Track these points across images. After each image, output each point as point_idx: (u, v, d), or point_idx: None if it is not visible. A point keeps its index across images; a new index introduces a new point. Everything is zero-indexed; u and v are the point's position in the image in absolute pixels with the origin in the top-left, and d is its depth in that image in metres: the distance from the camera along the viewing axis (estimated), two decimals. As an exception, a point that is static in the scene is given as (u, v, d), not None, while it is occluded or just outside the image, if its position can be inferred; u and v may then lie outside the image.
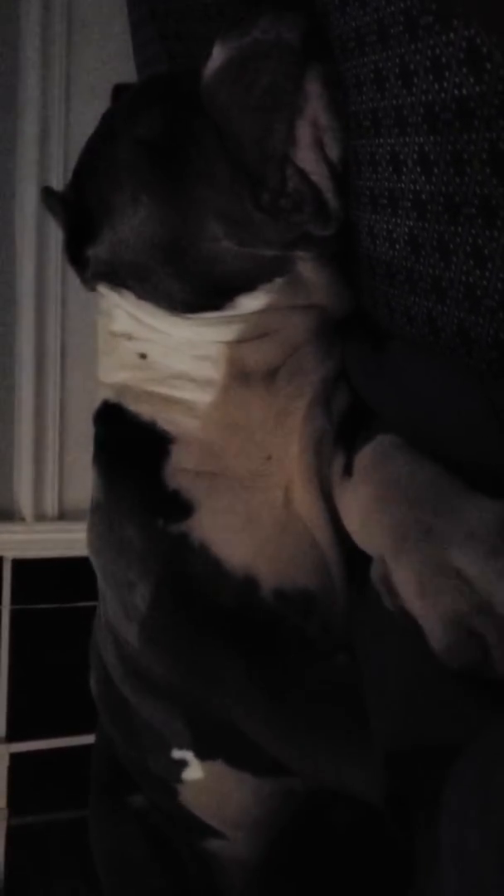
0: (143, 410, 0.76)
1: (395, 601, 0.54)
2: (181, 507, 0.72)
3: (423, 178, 0.53)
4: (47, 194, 0.77)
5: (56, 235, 1.58)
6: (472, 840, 0.38)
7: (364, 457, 0.67)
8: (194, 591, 0.71)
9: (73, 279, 0.80)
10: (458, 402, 0.58)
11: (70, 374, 1.68)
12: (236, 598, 0.71)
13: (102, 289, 0.78)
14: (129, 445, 0.76)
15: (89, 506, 0.80)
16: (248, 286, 0.70)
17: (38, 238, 1.59)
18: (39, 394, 1.67)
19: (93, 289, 0.79)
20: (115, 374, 0.79)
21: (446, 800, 0.41)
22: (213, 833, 0.84)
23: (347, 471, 0.70)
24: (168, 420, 0.75)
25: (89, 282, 0.79)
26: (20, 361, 1.65)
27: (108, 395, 0.80)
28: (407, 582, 0.52)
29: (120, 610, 0.76)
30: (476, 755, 0.42)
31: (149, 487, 0.73)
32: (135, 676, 0.81)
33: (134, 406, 0.77)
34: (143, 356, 0.77)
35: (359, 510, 0.64)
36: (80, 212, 0.75)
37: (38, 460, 1.69)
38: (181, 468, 0.73)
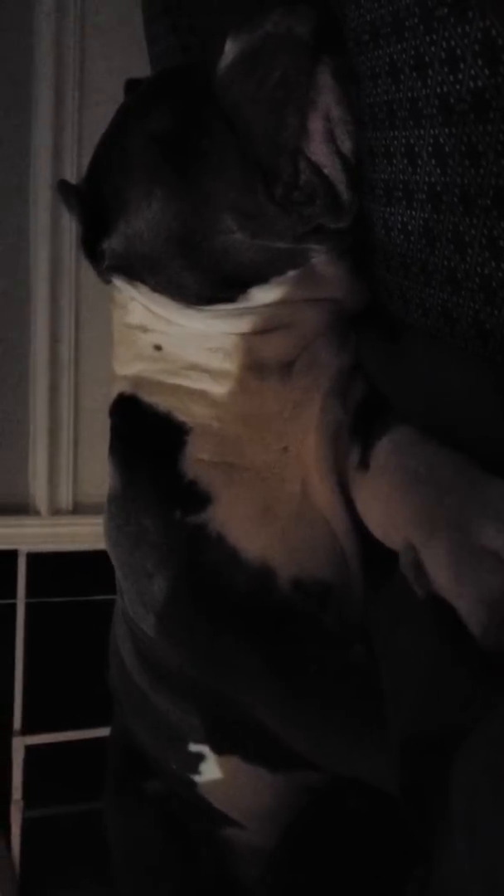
0: (159, 401, 0.77)
1: (425, 587, 0.54)
2: (198, 498, 0.72)
3: (438, 169, 0.53)
4: (63, 187, 0.78)
5: (70, 232, 1.58)
6: (483, 812, 0.38)
7: (381, 448, 0.67)
8: (211, 581, 0.71)
9: (88, 276, 0.81)
10: (474, 393, 0.58)
11: (84, 368, 1.68)
12: (253, 588, 0.71)
13: (118, 281, 0.78)
14: (146, 436, 0.77)
15: (106, 498, 0.80)
16: (261, 278, 0.71)
17: (52, 236, 1.60)
18: (54, 388, 1.68)
19: (108, 281, 0.80)
20: (130, 366, 0.80)
21: (457, 774, 0.42)
22: (230, 822, 0.85)
23: (364, 462, 0.70)
24: (183, 410, 0.75)
25: (105, 274, 0.79)
26: (35, 356, 1.66)
27: (123, 387, 0.80)
28: (440, 567, 0.52)
29: (137, 601, 0.76)
30: (486, 731, 0.42)
31: (166, 478, 0.74)
32: (151, 670, 0.82)
33: (149, 397, 0.77)
34: (158, 348, 0.77)
35: (381, 501, 0.64)
36: (95, 205, 0.76)
37: (53, 454, 1.70)
38: (197, 458, 0.74)
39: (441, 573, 0.52)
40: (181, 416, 0.75)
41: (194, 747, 0.81)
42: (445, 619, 0.50)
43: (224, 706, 0.75)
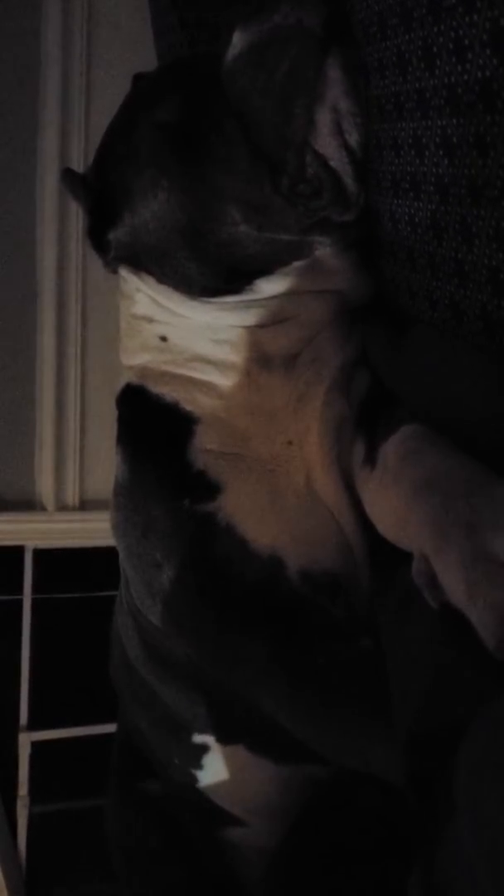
0: (166, 392, 0.77)
1: (438, 598, 0.53)
2: (208, 488, 0.73)
3: (446, 161, 0.53)
4: (69, 176, 0.78)
5: (77, 223, 1.58)
6: (488, 789, 0.38)
7: (390, 450, 0.66)
8: (220, 570, 0.71)
9: (94, 270, 0.81)
10: (480, 386, 0.58)
11: (90, 363, 1.68)
12: (262, 579, 0.71)
13: (124, 272, 0.78)
14: (153, 427, 0.77)
15: (112, 489, 0.80)
16: (267, 270, 0.71)
17: (58, 227, 1.59)
18: (60, 384, 1.68)
19: (115, 272, 0.80)
20: (136, 357, 0.80)
21: (462, 753, 0.41)
22: (232, 820, 0.85)
23: (369, 459, 0.70)
24: (190, 401, 0.76)
25: (111, 265, 0.79)
26: (41, 352, 1.66)
27: (130, 377, 0.80)
28: (453, 579, 0.51)
29: (145, 591, 0.76)
30: (492, 711, 0.42)
31: (174, 468, 0.74)
32: (157, 661, 0.82)
33: (156, 388, 0.78)
34: (163, 339, 0.77)
35: (391, 505, 0.64)
36: (101, 195, 0.76)
37: (59, 450, 1.70)
38: (206, 448, 0.74)
39: (453, 584, 0.51)
40: (188, 407, 0.76)
41: (198, 738, 0.81)
42: (459, 629, 0.50)
43: (231, 695, 0.75)
